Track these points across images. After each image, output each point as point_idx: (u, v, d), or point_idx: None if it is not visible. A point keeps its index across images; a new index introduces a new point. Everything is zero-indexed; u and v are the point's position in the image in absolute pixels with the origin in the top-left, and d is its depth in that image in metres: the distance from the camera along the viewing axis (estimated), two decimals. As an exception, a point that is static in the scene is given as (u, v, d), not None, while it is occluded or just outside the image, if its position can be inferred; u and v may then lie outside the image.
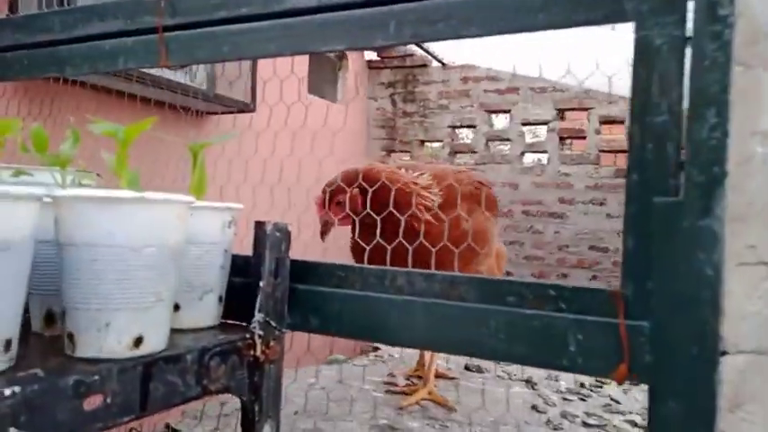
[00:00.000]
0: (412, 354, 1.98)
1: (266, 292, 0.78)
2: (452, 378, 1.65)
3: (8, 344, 0.53)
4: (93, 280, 0.58)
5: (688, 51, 0.61)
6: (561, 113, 5.15)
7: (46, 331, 0.71)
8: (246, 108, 3.29)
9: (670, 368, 0.62)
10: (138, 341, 0.61)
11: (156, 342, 0.63)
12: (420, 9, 0.74)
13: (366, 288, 0.80)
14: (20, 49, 1.06)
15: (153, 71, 2.87)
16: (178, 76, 3.14)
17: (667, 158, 0.62)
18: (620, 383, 0.65)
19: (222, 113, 3.29)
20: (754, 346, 0.59)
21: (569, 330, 0.67)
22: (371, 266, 0.81)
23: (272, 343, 0.79)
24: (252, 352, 0.77)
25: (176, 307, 0.77)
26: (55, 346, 0.64)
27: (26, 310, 0.70)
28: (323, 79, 4.85)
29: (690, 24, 0.61)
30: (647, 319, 0.63)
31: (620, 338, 0.64)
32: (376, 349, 2.11)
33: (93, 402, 0.55)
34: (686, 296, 0.61)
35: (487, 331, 0.71)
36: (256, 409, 0.78)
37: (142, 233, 0.59)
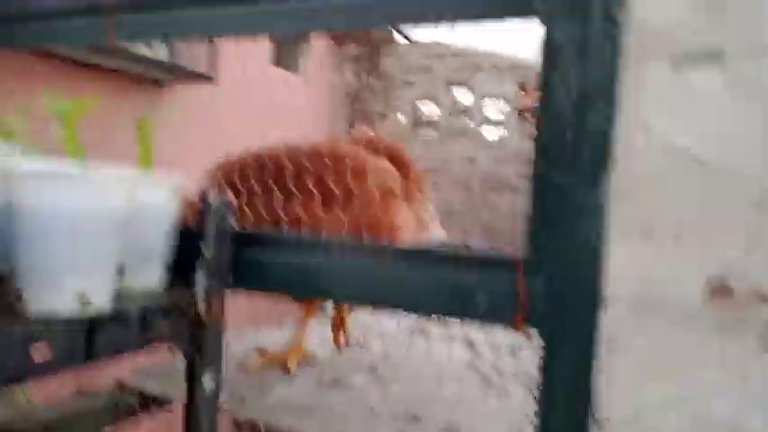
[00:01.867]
0: (357, 317, 2.08)
1: (208, 256, 0.85)
2: (310, 358, 1.69)
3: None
4: (41, 243, 0.63)
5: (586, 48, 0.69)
6: (522, 88, 5.24)
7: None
8: (205, 78, 3.27)
9: (560, 317, 0.71)
10: (83, 299, 0.66)
11: (100, 301, 0.69)
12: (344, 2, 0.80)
13: (302, 254, 0.87)
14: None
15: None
16: (138, 47, 3.10)
17: (565, 141, 0.70)
18: (518, 331, 0.74)
19: (178, 84, 3.27)
20: (630, 299, 0.68)
21: (477, 286, 0.76)
22: (308, 236, 0.88)
23: (213, 301, 0.86)
24: (193, 310, 0.83)
25: (123, 271, 0.82)
26: (4, 307, 0.69)
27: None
28: (287, 52, 4.83)
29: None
30: (542, 275, 0.72)
31: (518, 292, 0.73)
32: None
33: (40, 353, 0.61)
34: (574, 257, 0.70)
35: (408, 289, 0.79)
36: (198, 360, 0.85)
37: (85, 202, 0.64)
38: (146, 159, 0.84)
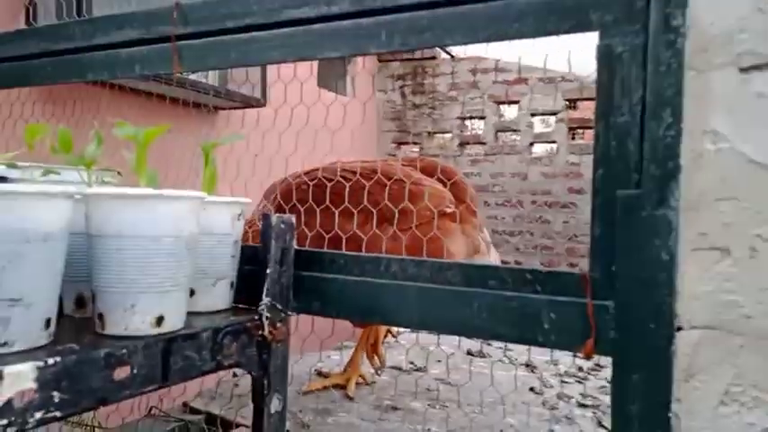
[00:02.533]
0: (410, 338, 2.06)
1: (272, 278, 0.86)
2: (370, 381, 1.68)
3: (48, 322, 0.62)
4: (119, 266, 0.66)
5: (647, 58, 0.68)
6: (573, 103, 5.18)
7: (76, 313, 0.79)
8: (257, 103, 3.38)
9: (631, 342, 0.69)
10: (159, 320, 0.69)
11: (174, 321, 0.71)
12: (408, 19, 0.81)
13: (363, 274, 0.88)
14: (44, 56, 1.15)
15: None
16: (192, 74, 3.24)
17: (628, 154, 0.69)
18: (587, 357, 0.72)
19: (232, 108, 3.38)
20: (705, 322, 0.66)
21: (543, 310, 0.74)
22: (368, 254, 0.89)
23: (278, 324, 0.88)
24: (260, 332, 0.85)
25: (192, 292, 0.85)
26: (86, 326, 0.72)
27: (59, 296, 0.79)
28: (332, 73, 4.92)
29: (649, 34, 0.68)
30: (612, 298, 0.70)
31: (588, 316, 0.72)
32: (393, 337, 2.19)
33: (121, 373, 0.64)
34: (645, 278, 0.68)
35: (471, 312, 0.79)
36: (265, 383, 0.87)
37: (160, 225, 0.67)
38: (210, 183, 0.87)
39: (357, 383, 1.58)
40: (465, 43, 0.77)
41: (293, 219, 0.90)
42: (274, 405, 0.88)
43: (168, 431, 1.22)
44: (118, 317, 0.67)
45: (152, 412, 1.33)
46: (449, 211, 1.36)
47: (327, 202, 1.18)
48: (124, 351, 0.64)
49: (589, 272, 0.73)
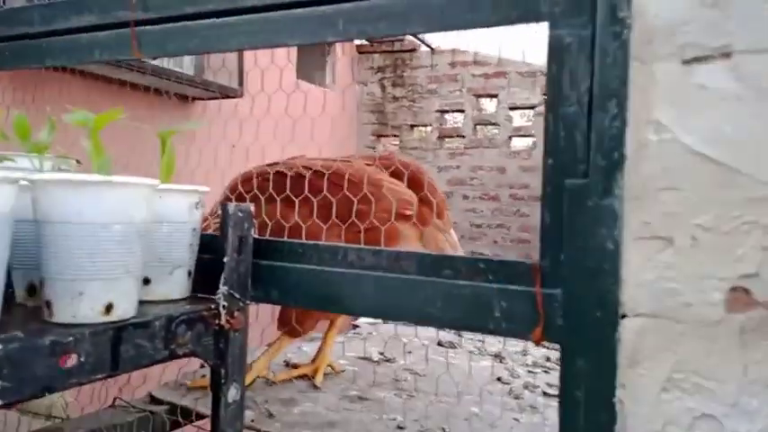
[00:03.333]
0: (386, 330, 2.07)
1: (230, 267, 0.86)
2: (341, 370, 1.68)
3: (-9, 309, 0.61)
4: (67, 253, 0.66)
5: (595, 49, 0.69)
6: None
7: (28, 302, 0.79)
8: (234, 93, 3.35)
9: (578, 330, 0.70)
10: (108, 308, 0.69)
11: (125, 309, 0.71)
12: (364, 8, 0.81)
13: (321, 263, 0.88)
14: (2, 41, 1.13)
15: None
16: (165, 62, 3.20)
17: (576, 145, 0.70)
18: (536, 344, 0.74)
19: (209, 99, 3.35)
20: (648, 310, 0.67)
21: (495, 298, 0.75)
22: (326, 243, 0.89)
23: (236, 313, 0.88)
24: (217, 321, 0.85)
25: (148, 281, 0.85)
26: (35, 315, 0.72)
27: (10, 285, 0.78)
28: (312, 65, 4.90)
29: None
30: (560, 287, 0.71)
31: (537, 305, 0.73)
32: (355, 327, 2.20)
33: (68, 361, 0.63)
34: (591, 267, 0.69)
35: (425, 300, 0.79)
36: (222, 372, 0.87)
37: (110, 212, 0.67)
38: (167, 171, 0.87)
39: (326, 374, 1.58)
40: (421, 32, 0.78)
41: (251, 207, 0.90)
42: (232, 394, 0.88)
43: (129, 422, 1.21)
44: (65, 304, 0.67)
45: (116, 403, 1.32)
46: (407, 213, 1.36)
47: (274, 194, 1.18)
48: (71, 339, 0.64)
49: (539, 261, 0.74)
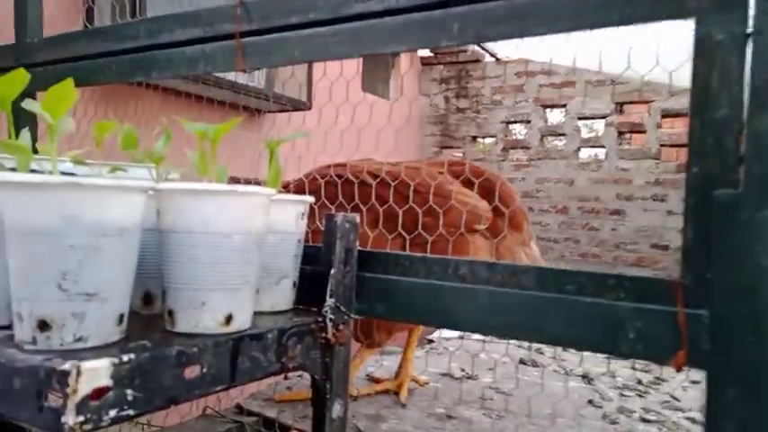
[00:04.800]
0: (463, 345, 2.02)
1: (336, 279, 0.84)
2: (425, 383, 1.62)
3: (121, 318, 0.61)
4: (191, 263, 0.65)
5: (749, 47, 0.63)
6: (620, 107, 5.04)
7: (143, 310, 0.79)
8: (303, 106, 3.39)
9: (728, 356, 0.63)
10: (228, 319, 0.67)
11: (243, 320, 0.70)
12: (482, 10, 0.78)
13: (430, 276, 0.85)
14: (109, 55, 1.16)
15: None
16: (238, 77, 3.28)
17: (727, 152, 0.64)
18: (678, 370, 0.67)
19: (279, 111, 3.41)
20: (813, 335, 0.60)
21: (628, 318, 0.70)
22: (435, 256, 0.86)
23: (341, 326, 0.85)
24: (323, 334, 0.83)
25: (257, 292, 0.84)
26: (154, 324, 0.71)
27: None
28: (376, 77, 4.92)
29: (750, 20, 0.63)
30: (706, 307, 0.65)
31: (679, 326, 0.67)
32: (430, 342, 2.15)
33: (192, 372, 0.62)
34: (744, 286, 0.62)
35: (547, 318, 0.75)
36: (327, 387, 0.84)
37: (232, 221, 0.66)
38: (275, 180, 0.85)
39: (410, 389, 1.54)
40: (544, 34, 0.73)
41: (357, 218, 0.87)
42: (336, 410, 0.86)
43: (225, 431, 1.21)
44: (188, 314, 0.66)
45: (206, 412, 1.32)
46: (478, 228, 1.30)
47: (344, 202, 1.15)
48: (195, 350, 0.62)
49: (681, 278, 0.68)
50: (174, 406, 0.61)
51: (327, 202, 1.20)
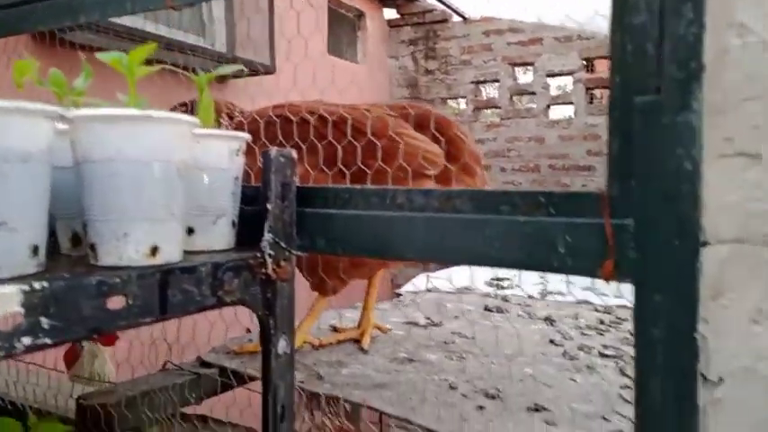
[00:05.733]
0: (430, 297, 2.03)
1: (274, 215, 0.83)
2: (388, 330, 1.64)
3: (36, 249, 0.59)
4: (109, 193, 0.63)
5: (667, -51, 0.62)
6: (589, 63, 5.03)
7: (73, 252, 0.77)
8: (266, 69, 3.33)
9: (654, 262, 0.64)
10: (153, 250, 0.66)
11: (170, 253, 0.68)
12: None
13: (369, 207, 0.84)
14: (35, 1, 1.12)
15: (173, 36, 2.93)
16: (199, 41, 3.20)
17: (647, 58, 0.64)
18: (606, 280, 0.68)
19: (246, 76, 3.34)
20: (733, 236, 0.61)
21: (558, 233, 0.70)
22: (373, 186, 0.85)
23: (282, 263, 0.85)
24: (263, 270, 0.82)
25: (192, 230, 0.82)
26: (81, 262, 0.70)
27: (54, 234, 0.77)
28: (342, 40, 4.84)
29: None
30: (631, 216, 0.66)
31: (606, 237, 0.67)
32: (398, 296, 2.17)
33: (116, 303, 0.61)
34: (667, 191, 0.63)
35: (482, 239, 0.75)
36: (271, 323, 0.84)
37: (150, 149, 0.64)
38: (206, 117, 0.83)
39: (373, 337, 1.55)
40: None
41: (294, 153, 0.86)
42: (281, 346, 0.86)
43: (181, 383, 1.21)
44: (111, 246, 0.65)
45: (166, 366, 1.32)
46: (428, 173, 1.27)
47: (281, 140, 1.13)
48: (117, 280, 0.61)
49: (606, 189, 0.68)
50: (98, 335, 0.60)
51: (267, 143, 1.18)
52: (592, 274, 0.69)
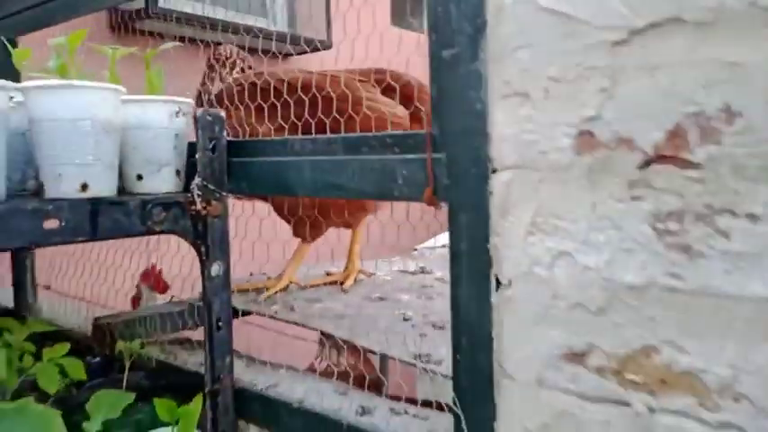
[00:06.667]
0: (442, 253, 2.17)
1: (202, 162, 1.03)
2: (370, 274, 1.77)
3: (-7, 184, 0.83)
4: (49, 143, 0.85)
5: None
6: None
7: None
8: (324, 45, 3.44)
9: (459, 188, 0.78)
10: (84, 187, 0.88)
11: (100, 189, 0.90)
12: None
13: (275, 154, 1.02)
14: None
15: (235, 19, 3.10)
16: (257, 21, 3.38)
17: (451, 17, 0.76)
18: (429, 204, 0.82)
19: (300, 54, 3.50)
20: (513, 162, 0.73)
21: (398, 168, 0.85)
22: (280, 137, 1.03)
23: (213, 202, 1.04)
24: (193, 207, 1.02)
25: (141, 177, 1.04)
26: (36, 197, 0.93)
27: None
28: (407, 9, 4.90)
29: None
30: (444, 151, 0.79)
31: (427, 169, 0.81)
32: (414, 250, 2.33)
33: (51, 224, 0.83)
34: (465, 128, 0.76)
35: (348, 176, 0.91)
36: (203, 250, 1.05)
37: (76, 109, 0.85)
38: (151, 86, 1.04)
39: (360, 280, 1.73)
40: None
41: (222, 113, 1.05)
42: (215, 269, 1.06)
43: (178, 311, 1.46)
44: (52, 184, 0.87)
45: (172, 299, 1.58)
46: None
47: (249, 103, 1.29)
48: (51, 207, 0.83)
49: (430, 129, 0.81)
50: (37, 247, 0.82)
51: (239, 105, 1.36)
52: (419, 199, 0.83)
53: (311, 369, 2.13)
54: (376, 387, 1.34)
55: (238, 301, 1.56)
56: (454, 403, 0.82)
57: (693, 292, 0.62)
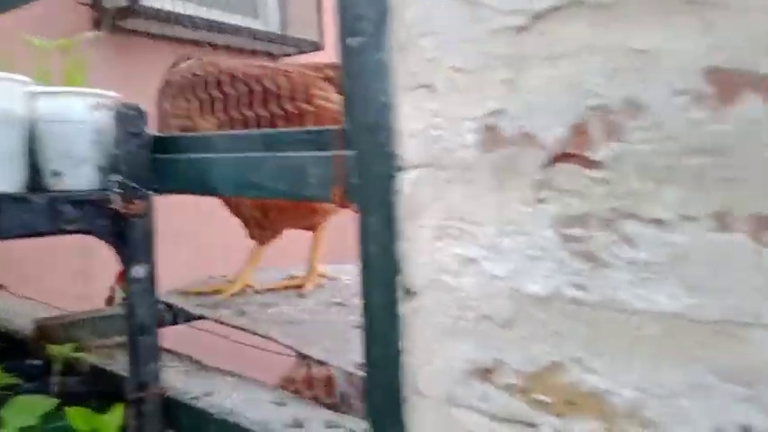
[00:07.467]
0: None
1: (121, 158, 0.97)
2: (332, 279, 1.72)
3: None
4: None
5: None
6: None
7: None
8: (316, 47, 3.40)
9: (367, 187, 0.72)
10: (-20, 183, 0.83)
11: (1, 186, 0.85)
12: None
13: (199, 151, 0.96)
14: None
15: (226, 19, 3.05)
16: (252, 23, 3.34)
17: (357, 3, 0.70)
18: (339, 205, 0.76)
19: (296, 54, 3.46)
20: (421, 160, 0.67)
21: (309, 166, 0.79)
22: (204, 133, 0.97)
23: (135, 201, 0.99)
24: (111, 205, 0.97)
25: (57, 173, 0.99)
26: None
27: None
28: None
29: None
30: (354, 147, 0.73)
31: (338, 167, 0.75)
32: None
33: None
34: (371, 124, 0.70)
35: (263, 174, 0.85)
36: (126, 253, 0.99)
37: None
38: (70, 79, 0.99)
39: (322, 285, 1.67)
40: None
41: (141, 106, 0.99)
42: (137, 272, 1.00)
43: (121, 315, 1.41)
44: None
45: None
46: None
47: (192, 97, 1.24)
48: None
49: (343, 125, 0.76)
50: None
51: (185, 100, 1.30)
52: (329, 200, 0.77)
53: (287, 380, 2.08)
54: (343, 398, 1.29)
55: (188, 304, 1.51)
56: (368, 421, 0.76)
57: (598, 305, 0.56)
